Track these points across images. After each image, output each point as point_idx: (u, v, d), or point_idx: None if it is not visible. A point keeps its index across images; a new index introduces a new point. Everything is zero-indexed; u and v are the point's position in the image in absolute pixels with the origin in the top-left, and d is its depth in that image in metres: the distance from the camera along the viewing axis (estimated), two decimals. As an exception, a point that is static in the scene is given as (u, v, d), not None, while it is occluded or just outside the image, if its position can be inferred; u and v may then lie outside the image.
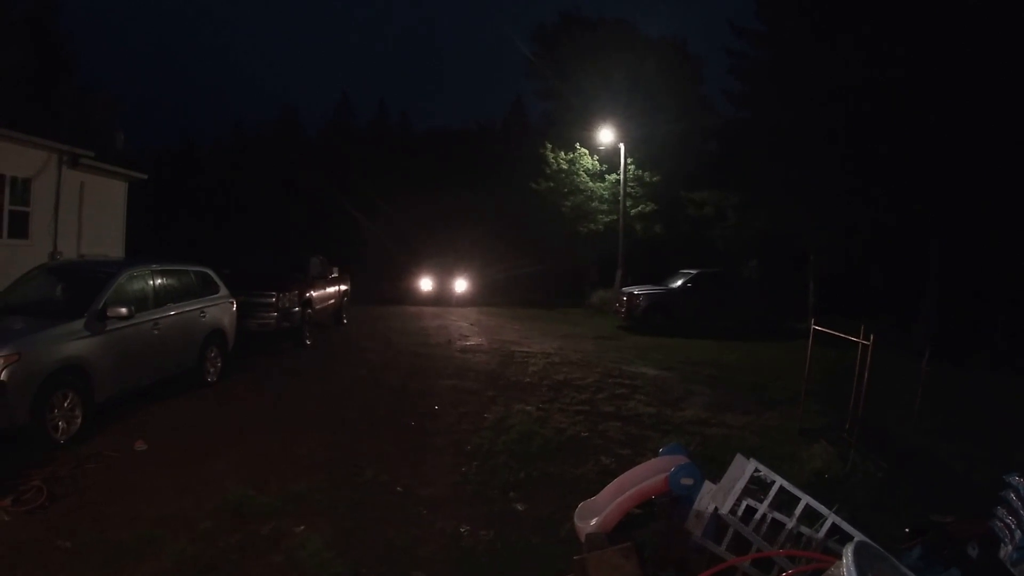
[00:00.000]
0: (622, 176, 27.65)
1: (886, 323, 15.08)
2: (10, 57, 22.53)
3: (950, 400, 10.70)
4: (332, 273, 17.47)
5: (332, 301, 17.27)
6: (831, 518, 4.44)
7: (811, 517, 4.58)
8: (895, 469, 7.02)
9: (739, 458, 5.14)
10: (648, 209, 29.40)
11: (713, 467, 5.57)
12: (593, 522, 5.01)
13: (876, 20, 16.13)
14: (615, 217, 28.58)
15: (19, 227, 13.87)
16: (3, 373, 6.34)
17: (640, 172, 29.23)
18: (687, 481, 5.07)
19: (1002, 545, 3.90)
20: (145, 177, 18.57)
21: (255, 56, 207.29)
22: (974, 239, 16.50)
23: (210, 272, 10.91)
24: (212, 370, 10.41)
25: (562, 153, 30.36)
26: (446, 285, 35.31)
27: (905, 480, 6.69)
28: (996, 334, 16.22)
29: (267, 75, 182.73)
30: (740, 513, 4.74)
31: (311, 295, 14.86)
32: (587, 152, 29.90)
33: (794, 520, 4.57)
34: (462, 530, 5.41)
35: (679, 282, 20.81)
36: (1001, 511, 3.98)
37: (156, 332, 8.87)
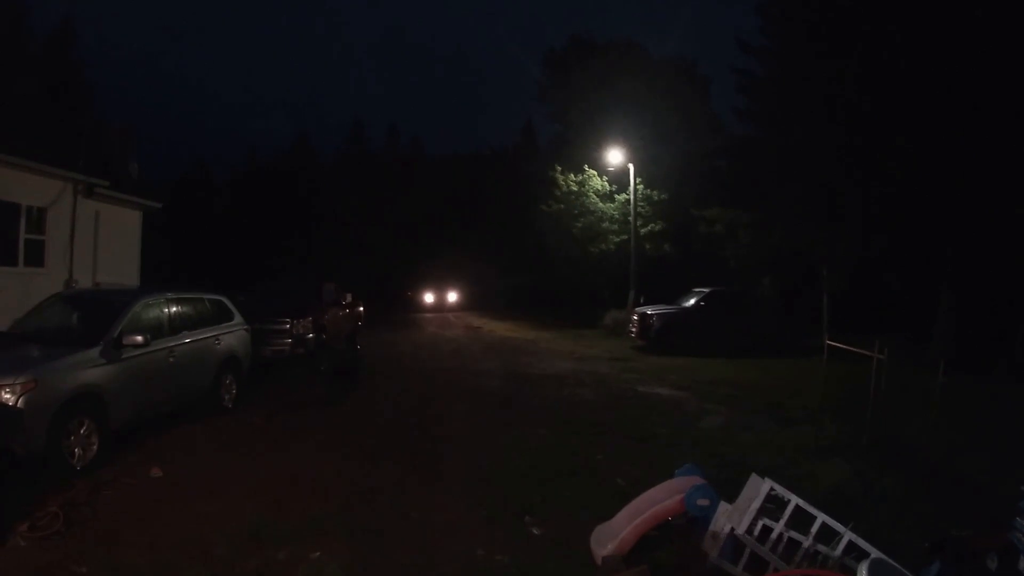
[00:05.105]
0: (632, 196, 27.70)
1: (903, 337, 14.94)
2: (26, 87, 22.87)
3: (969, 412, 10.57)
4: (345, 299, 17.55)
5: (344, 328, 17.31)
6: (847, 535, 4.40)
7: (829, 535, 4.54)
8: (914, 484, 6.95)
9: (754, 478, 5.12)
10: (658, 228, 29.43)
11: (729, 487, 5.54)
12: (609, 545, 4.99)
13: (879, 32, 16.15)
14: (626, 237, 28.61)
15: (35, 255, 13.99)
16: (20, 400, 6.41)
17: (649, 191, 29.30)
18: (703, 502, 5.05)
19: (1021, 557, 3.86)
20: (160, 206, 18.74)
21: (269, 86, 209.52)
22: (990, 249, 16.36)
23: (224, 300, 11.00)
24: (227, 397, 10.47)
25: (571, 175, 30.50)
26: (457, 307, 36.33)
27: (924, 495, 6.61)
28: (1016, 344, 16.04)
29: (281, 103, 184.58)
30: (757, 533, 4.71)
31: (325, 322, 14.91)
32: (596, 173, 30.02)
33: (810, 538, 4.54)
34: (477, 554, 5.38)
35: (692, 301, 20.69)
36: (1020, 522, 3.94)
37: (171, 360, 8.94)
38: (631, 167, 27.43)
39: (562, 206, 30.81)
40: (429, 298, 40.89)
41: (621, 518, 5.32)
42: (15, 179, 13.20)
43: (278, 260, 37.10)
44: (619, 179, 29.32)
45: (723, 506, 5.01)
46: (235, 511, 6.09)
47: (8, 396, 6.40)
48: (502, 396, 12.33)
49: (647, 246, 29.43)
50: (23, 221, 13.70)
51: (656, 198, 29.45)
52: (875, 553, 3.99)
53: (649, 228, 29.48)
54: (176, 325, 9.32)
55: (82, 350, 7.49)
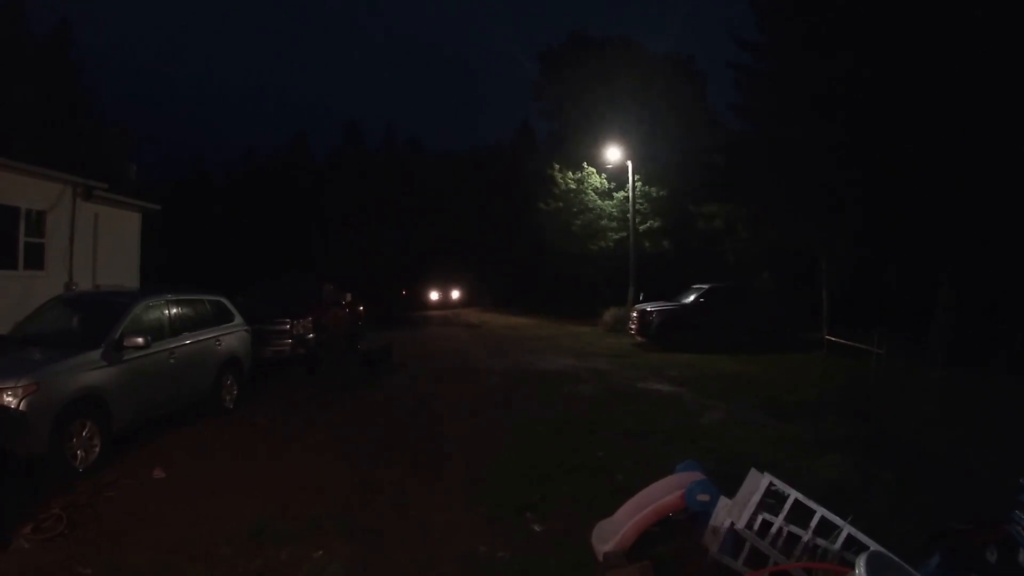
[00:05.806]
0: (631, 193, 27.69)
1: (903, 336, 14.94)
2: (24, 90, 22.86)
3: (967, 406, 10.59)
4: (345, 299, 17.55)
5: (345, 327, 17.33)
6: (846, 529, 4.42)
7: (828, 529, 4.56)
8: (912, 477, 6.97)
9: (753, 472, 5.14)
10: (656, 224, 29.44)
11: (729, 483, 5.56)
12: (611, 541, 5.01)
13: (879, 32, 16.13)
14: (625, 234, 28.61)
15: (35, 259, 14.01)
16: (22, 403, 6.43)
17: (647, 188, 29.30)
18: (703, 497, 5.08)
19: (1021, 549, 3.89)
20: (158, 208, 18.75)
21: (267, 86, 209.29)
22: (989, 247, 16.33)
23: (224, 301, 11.02)
24: (228, 397, 10.49)
25: (570, 173, 30.50)
26: (457, 305, 36.58)
27: (923, 488, 6.63)
28: (1015, 340, 16.01)
29: (279, 104, 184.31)
30: (756, 527, 4.73)
31: (324, 322, 14.92)
32: (595, 171, 30.00)
33: (809, 532, 4.56)
34: (479, 552, 5.40)
35: (691, 297, 20.68)
36: (1019, 515, 3.96)
37: (172, 361, 8.95)
38: (629, 164, 27.43)
39: (561, 204, 30.84)
40: (430, 296, 41.89)
41: (622, 514, 5.34)
42: (14, 183, 13.22)
43: (278, 260, 37.10)
44: (617, 176, 29.29)
45: (723, 501, 5.03)
46: (237, 511, 6.11)
47: (10, 399, 6.42)
48: (502, 394, 12.34)
49: (646, 243, 29.43)
50: (23, 224, 13.72)
51: (655, 195, 29.42)
52: (874, 546, 4.01)
53: (648, 225, 29.48)
54: (177, 326, 9.34)
55: (83, 352, 7.51)
